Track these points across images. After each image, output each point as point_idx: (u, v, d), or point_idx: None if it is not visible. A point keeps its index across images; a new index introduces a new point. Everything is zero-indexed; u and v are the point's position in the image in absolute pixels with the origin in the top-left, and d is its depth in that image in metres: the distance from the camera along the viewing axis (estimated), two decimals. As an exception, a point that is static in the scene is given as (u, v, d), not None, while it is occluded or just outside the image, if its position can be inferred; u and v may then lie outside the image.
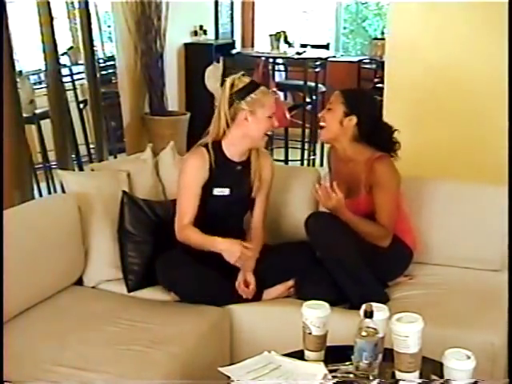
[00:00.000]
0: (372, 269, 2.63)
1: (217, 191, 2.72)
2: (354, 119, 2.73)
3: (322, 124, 2.81)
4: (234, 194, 2.76)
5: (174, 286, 2.67)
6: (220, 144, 2.73)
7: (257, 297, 2.69)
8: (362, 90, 2.97)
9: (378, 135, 2.76)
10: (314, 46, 7.09)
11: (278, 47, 6.39)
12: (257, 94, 2.65)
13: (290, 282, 2.71)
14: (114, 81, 5.22)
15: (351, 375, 1.88)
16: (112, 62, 5.20)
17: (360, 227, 2.67)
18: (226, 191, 2.73)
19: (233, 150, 2.73)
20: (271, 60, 6.14)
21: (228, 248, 2.60)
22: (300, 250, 2.81)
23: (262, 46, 7.10)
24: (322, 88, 6.11)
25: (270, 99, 2.70)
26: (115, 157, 4.94)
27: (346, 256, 2.59)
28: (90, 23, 4.68)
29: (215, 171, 2.70)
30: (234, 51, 6.61)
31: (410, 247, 2.83)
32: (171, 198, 3.06)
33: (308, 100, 6.06)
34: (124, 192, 2.84)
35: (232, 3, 7.35)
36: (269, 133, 2.76)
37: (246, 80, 2.68)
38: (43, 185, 4.23)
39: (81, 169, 4.55)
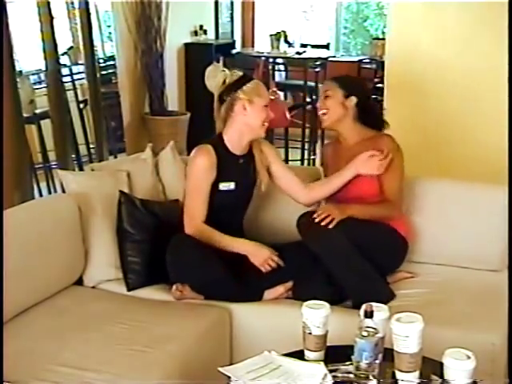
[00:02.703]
0: (369, 263, 2.63)
1: (223, 186, 2.76)
2: (353, 99, 2.83)
3: (323, 111, 2.89)
4: (240, 188, 2.80)
5: (182, 267, 2.65)
6: (222, 139, 2.77)
7: (258, 297, 2.69)
8: (349, 75, 3.14)
9: (372, 113, 2.91)
10: (314, 46, 7.09)
11: (278, 47, 6.39)
12: (252, 83, 2.72)
13: (290, 283, 2.71)
14: (114, 81, 5.22)
15: (351, 375, 1.87)
16: (112, 62, 5.20)
17: (370, 213, 2.72)
18: (231, 185, 2.78)
19: (234, 143, 2.78)
20: (271, 60, 6.14)
21: (256, 252, 2.70)
22: (300, 251, 2.81)
23: (262, 45, 7.10)
24: (322, 88, 6.10)
25: (264, 89, 2.77)
26: (115, 157, 4.94)
27: (339, 246, 2.58)
28: (90, 23, 4.68)
29: (221, 166, 2.73)
30: (234, 51, 6.61)
31: (403, 236, 2.82)
32: (171, 198, 3.07)
33: (308, 100, 6.06)
34: (121, 192, 2.84)
35: (232, 3, 7.35)
36: (266, 124, 2.77)
37: (239, 73, 2.75)
38: (43, 185, 4.23)
39: (81, 169, 4.55)
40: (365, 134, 2.86)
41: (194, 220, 2.73)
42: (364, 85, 3.06)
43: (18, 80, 3.94)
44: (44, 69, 4.28)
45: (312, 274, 2.69)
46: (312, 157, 6.14)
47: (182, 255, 2.65)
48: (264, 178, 2.86)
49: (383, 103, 3.95)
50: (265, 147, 2.90)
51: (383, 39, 5.83)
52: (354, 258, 2.60)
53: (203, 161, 2.72)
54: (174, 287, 2.68)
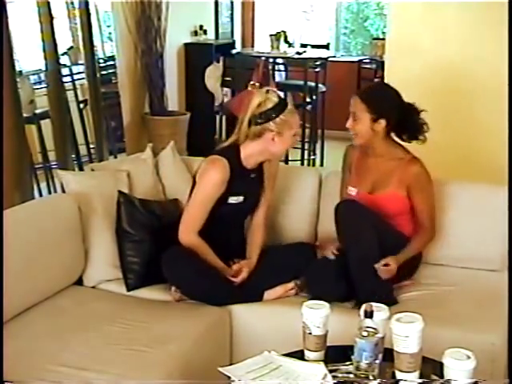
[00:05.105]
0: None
1: (232, 199, 2.71)
2: (383, 122, 2.71)
3: (352, 133, 2.77)
4: (248, 201, 2.77)
5: (177, 281, 2.67)
6: (239, 152, 2.70)
7: (258, 297, 2.70)
8: (379, 87, 2.92)
9: (405, 128, 2.77)
10: (314, 46, 7.09)
11: (277, 47, 6.38)
12: (286, 115, 2.62)
13: (290, 285, 2.72)
14: (114, 81, 5.22)
15: (351, 375, 1.87)
16: (112, 62, 5.20)
17: (413, 253, 2.73)
18: (240, 199, 2.73)
19: (250, 160, 2.71)
20: (271, 60, 6.14)
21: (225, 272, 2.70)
22: (300, 251, 2.83)
23: (262, 45, 7.10)
24: (322, 88, 6.11)
25: (296, 118, 2.69)
26: (115, 157, 4.94)
27: (368, 250, 2.58)
28: (89, 23, 4.68)
29: (233, 181, 2.67)
30: (234, 51, 6.61)
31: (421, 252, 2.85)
32: (170, 198, 3.07)
33: (308, 100, 6.06)
34: (120, 192, 2.83)
35: (232, 3, 7.35)
36: (291, 147, 2.78)
37: (275, 99, 2.62)
38: (43, 185, 4.23)
39: (81, 169, 4.55)
40: (395, 154, 2.77)
41: (192, 230, 2.68)
42: (394, 98, 2.76)
43: (18, 80, 3.93)
44: (44, 69, 4.28)
45: (316, 275, 2.70)
46: (312, 157, 6.13)
47: (177, 270, 2.64)
48: (268, 193, 2.84)
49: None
50: (274, 168, 2.84)
51: (383, 39, 5.84)
52: (374, 260, 2.60)
53: (217, 176, 2.63)
54: (173, 289, 2.68)
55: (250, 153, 2.70)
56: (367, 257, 2.59)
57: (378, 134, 2.74)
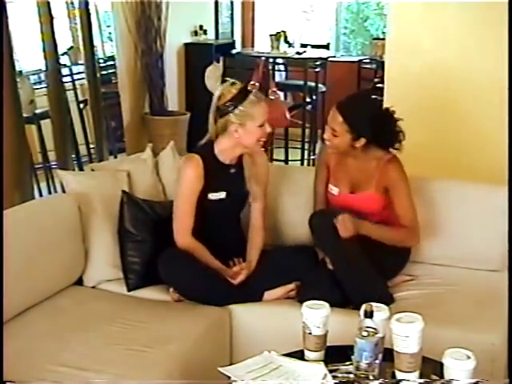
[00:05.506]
0: (372, 267, 2.63)
1: (212, 195, 2.72)
2: (363, 140, 2.69)
3: (329, 144, 2.75)
4: (231, 197, 2.76)
5: (175, 282, 2.67)
6: (212, 148, 2.72)
7: (258, 297, 2.70)
8: (361, 104, 2.80)
9: (382, 131, 2.72)
10: (314, 46, 7.09)
11: (277, 47, 6.38)
12: (245, 105, 2.59)
13: (291, 286, 2.71)
14: (114, 81, 5.22)
15: (351, 375, 1.88)
16: (112, 62, 5.20)
17: (384, 236, 2.69)
18: (222, 195, 2.74)
19: (225, 155, 2.73)
20: (271, 60, 6.14)
21: (225, 273, 2.69)
22: (302, 254, 2.82)
23: (262, 45, 7.10)
24: (322, 88, 6.11)
25: (259, 109, 2.63)
26: (115, 157, 4.94)
27: (349, 254, 2.59)
28: (90, 23, 4.68)
29: (210, 176, 2.69)
30: (234, 51, 6.61)
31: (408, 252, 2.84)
32: (171, 198, 3.07)
33: (308, 100, 6.06)
34: (124, 192, 2.84)
35: (232, 3, 7.35)
36: (263, 139, 2.70)
37: (234, 90, 2.60)
38: (43, 185, 4.23)
39: (81, 169, 4.55)
40: (373, 155, 2.75)
41: (185, 230, 2.70)
42: (374, 116, 2.68)
43: (18, 80, 3.93)
44: (44, 69, 4.28)
45: (318, 277, 2.69)
46: (312, 157, 6.13)
47: (173, 271, 2.65)
48: (253, 188, 2.80)
49: (383, 103, 3.94)
50: (260, 159, 2.81)
51: (383, 39, 5.83)
52: (360, 263, 2.60)
53: (191, 172, 2.66)
54: (171, 290, 2.68)
55: (223, 148, 2.71)
56: (349, 262, 2.59)
57: (357, 148, 2.73)
